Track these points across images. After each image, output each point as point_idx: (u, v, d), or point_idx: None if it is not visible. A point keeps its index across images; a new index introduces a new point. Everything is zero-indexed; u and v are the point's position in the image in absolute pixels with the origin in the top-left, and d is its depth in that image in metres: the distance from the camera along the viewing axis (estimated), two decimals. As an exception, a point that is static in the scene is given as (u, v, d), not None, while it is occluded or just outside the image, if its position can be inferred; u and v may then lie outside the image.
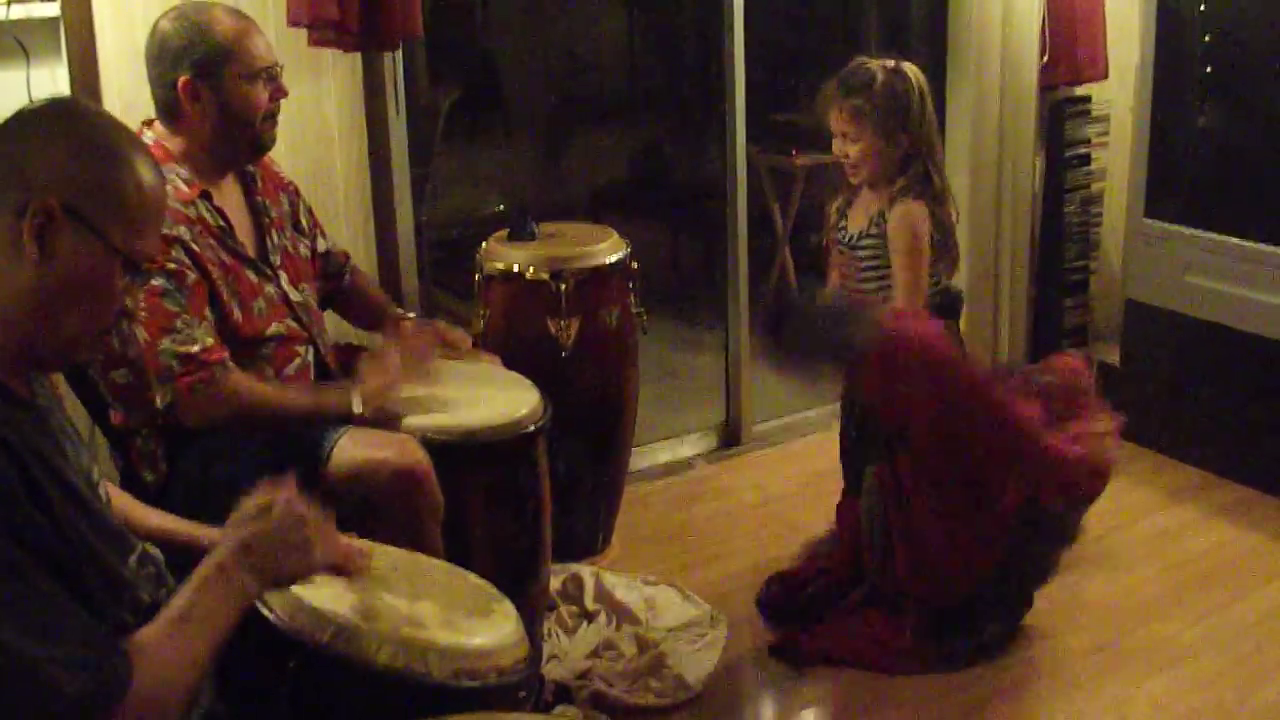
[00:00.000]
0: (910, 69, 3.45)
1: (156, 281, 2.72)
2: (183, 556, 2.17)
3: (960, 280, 4.85)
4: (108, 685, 1.62)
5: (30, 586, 1.60)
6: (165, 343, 2.74)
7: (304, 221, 3.28)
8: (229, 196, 3.02)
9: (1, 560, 1.57)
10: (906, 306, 3.38)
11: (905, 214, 3.41)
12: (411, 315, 3.47)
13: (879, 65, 3.43)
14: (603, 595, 3.72)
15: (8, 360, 1.75)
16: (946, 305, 3.55)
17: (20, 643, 1.55)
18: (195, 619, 1.76)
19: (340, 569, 2.07)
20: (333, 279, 3.38)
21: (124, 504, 2.27)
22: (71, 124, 1.81)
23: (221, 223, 2.93)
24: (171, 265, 2.76)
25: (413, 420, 2.99)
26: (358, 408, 2.91)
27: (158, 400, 2.76)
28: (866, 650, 3.44)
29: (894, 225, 3.41)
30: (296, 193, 3.29)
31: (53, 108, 1.90)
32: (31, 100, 3.24)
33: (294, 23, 3.46)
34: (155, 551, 2.01)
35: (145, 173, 1.82)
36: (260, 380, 2.91)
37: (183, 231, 2.80)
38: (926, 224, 3.41)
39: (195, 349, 2.76)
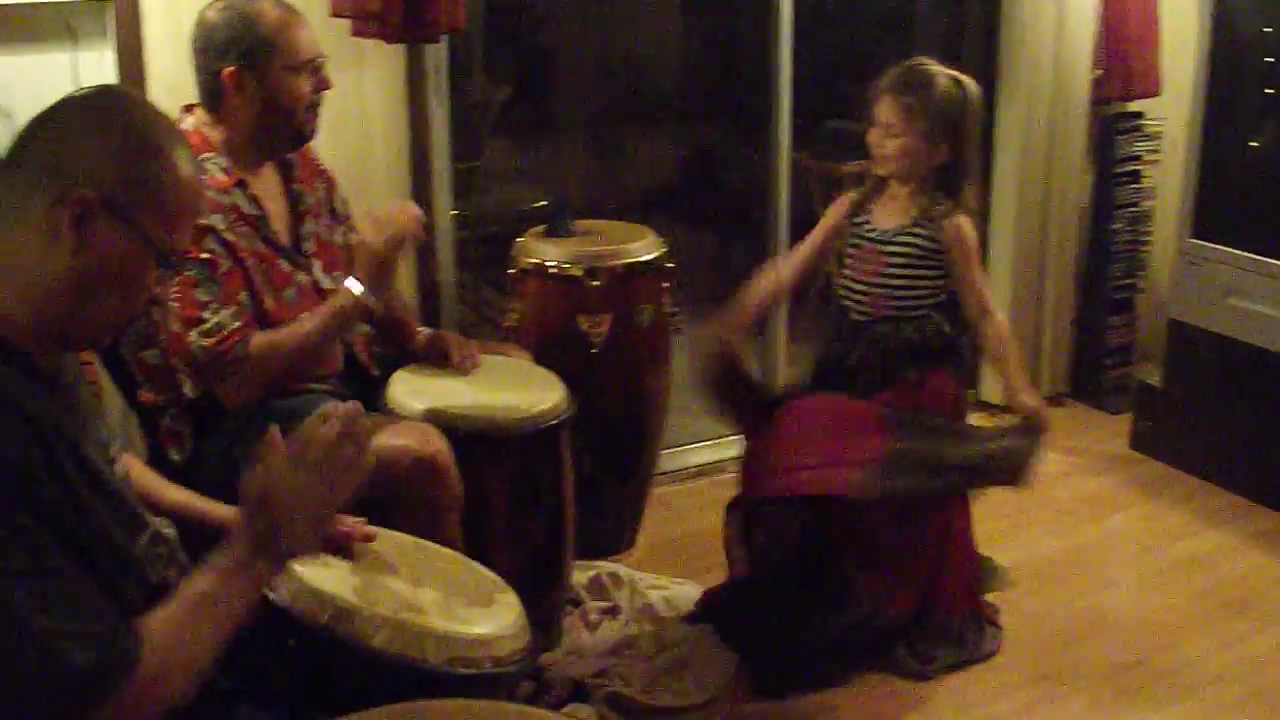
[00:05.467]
0: (970, 83, 3.42)
1: (190, 271, 2.75)
2: (199, 533, 2.20)
3: (1004, 296, 4.87)
4: (116, 662, 1.63)
5: (45, 560, 1.61)
6: (193, 335, 2.77)
7: (339, 209, 3.31)
8: (267, 184, 3.05)
9: (19, 533, 1.59)
10: (990, 303, 3.45)
11: (961, 227, 3.40)
12: (423, 330, 3.47)
13: (942, 70, 3.40)
14: (626, 594, 3.73)
15: (36, 338, 1.76)
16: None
17: (32, 613, 1.57)
18: (208, 604, 1.76)
19: (339, 548, 2.09)
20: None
21: (143, 477, 2.29)
22: (115, 116, 1.83)
23: (257, 211, 2.95)
24: (205, 255, 2.79)
25: (433, 409, 3.01)
26: (358, 291, 2.88)
27: (187, 389, 2.81)
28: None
29: (953, 237, 3.40)
30: (332, 183, 3.32)
31: (97, 98, 1.92)
32: (78, 85, 3.33)
33: (337, 13, 3.49)
34: (169, 532, 2.02)
35: (184, 167, 1.84)
36: (274, 330, 2.90)
37: (217, 220, 2.83)
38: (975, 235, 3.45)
39: (221, 336, 2.78)
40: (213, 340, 2.78)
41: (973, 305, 3.43)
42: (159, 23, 3.45)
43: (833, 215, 3.64)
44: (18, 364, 1.72)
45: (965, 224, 3.41)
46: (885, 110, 3.41)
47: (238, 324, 2.81)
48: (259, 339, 2.85)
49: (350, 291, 2.89)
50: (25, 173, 1.77)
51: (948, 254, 3.42)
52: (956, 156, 3.41)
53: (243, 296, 2.85)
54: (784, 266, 3.74)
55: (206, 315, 2.78)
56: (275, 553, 1.84)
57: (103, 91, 2.02)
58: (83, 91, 1.93)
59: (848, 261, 3.57)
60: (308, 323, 2.93)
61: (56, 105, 1.84)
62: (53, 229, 1.73)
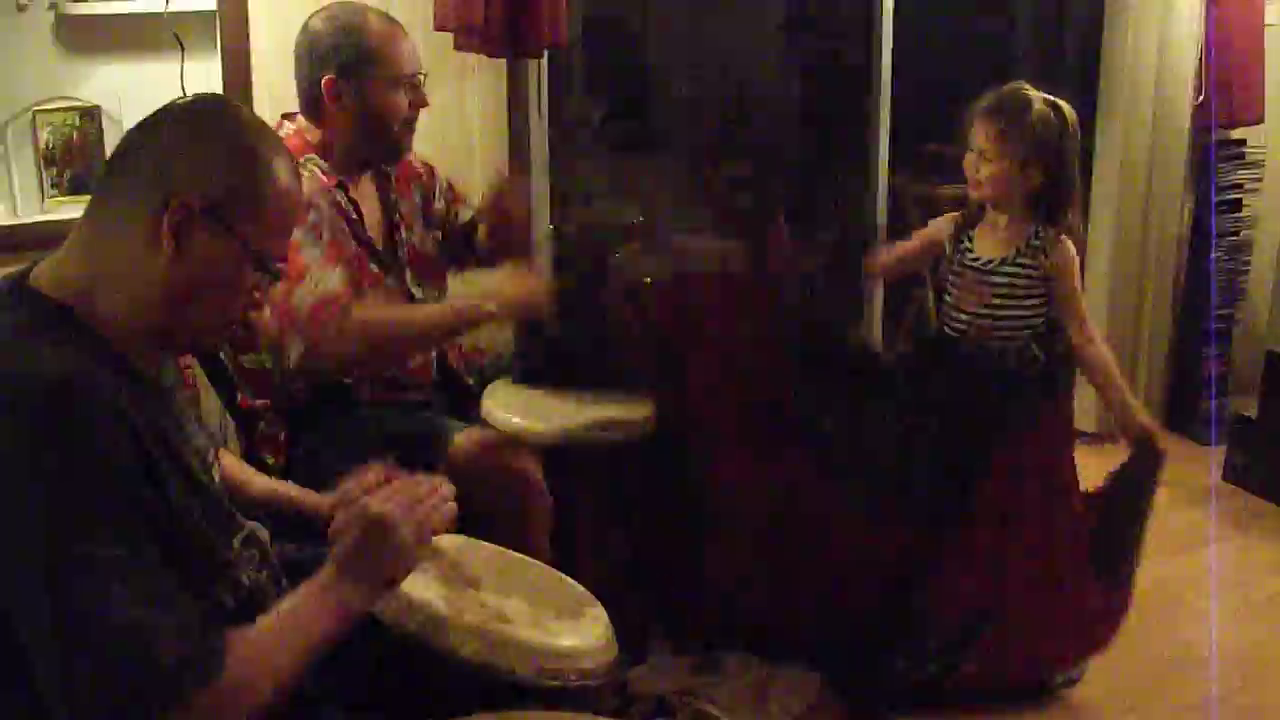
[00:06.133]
0: (1067, 109, 3.36)
1: (295, 235, 2.76)
2: (294, 520, 2.27)
3: (1100, 325, 4.80)
4: (202, 664, 1.63)
5: (141, 554, 1.63)
6: (299, 292, 2.74)
7: (438, 204, 3.30)
8: (364, 192, 3.07)
9: (119, 526, 1.61)
10: (1093, 328, 3.43)
11: (1067, 250, 3.37)
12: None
13: (1038, 95, 3.36)
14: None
15: (136, 342, 1.79)
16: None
17: (128, 603, 1.58)
18: (296, 625, 1.77)
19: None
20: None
21: (234, 468, 2.33)
22: (217, 124, 1.84)
23: (355, 215, 2.98)
24: (310, 220, 2.80)
25: (526, 424, 3.02)
26: (495, 310, 2.91)
27: (292, 356, 2.75)
28: None
29: (1060, 263, 3.37)
30: (432, 174, 3.31)
31: (200, 106, 1.94)
32: (184, 93, 3.39)
33: (440, 27, 3.53)
34: (262, 533, 2.04)
35: (284, 176, 1.85)
36: (387, 306, 2.93)
37: (321, 200, 2.86)
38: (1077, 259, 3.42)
39: (326, 289, 2.76)
40: (319, 293, 2.75)
41: (1076, 330, 3.39)
42: (265, 33, 3.51)
43: (933, 230, 3.63)
44: (117, 366, 1.74)
45: (1070, 248, 3.38)
46: (979, 135, 3.38)
47: (342, 285, 2.80)
48: (364, 309, 2.84)
49: (487, 307, 2.91)
50: (128, 180, 1.80)
51: (1053, 281, 3.38)
52: (1053, 182, 3.37)
53: (339, 266, 2.83)
54: (884, 254, 3.79)
55: (312, 273, 2.76)
56: (364, 585, 1.84)
57: (205, 100, 2.05)
58: (185, 100, 1.95)
59: (951, 290, 3.55)
60: (422, 310, 2.96)
61: (159, 113, 1.85)
62: (153, 235, 1.74)
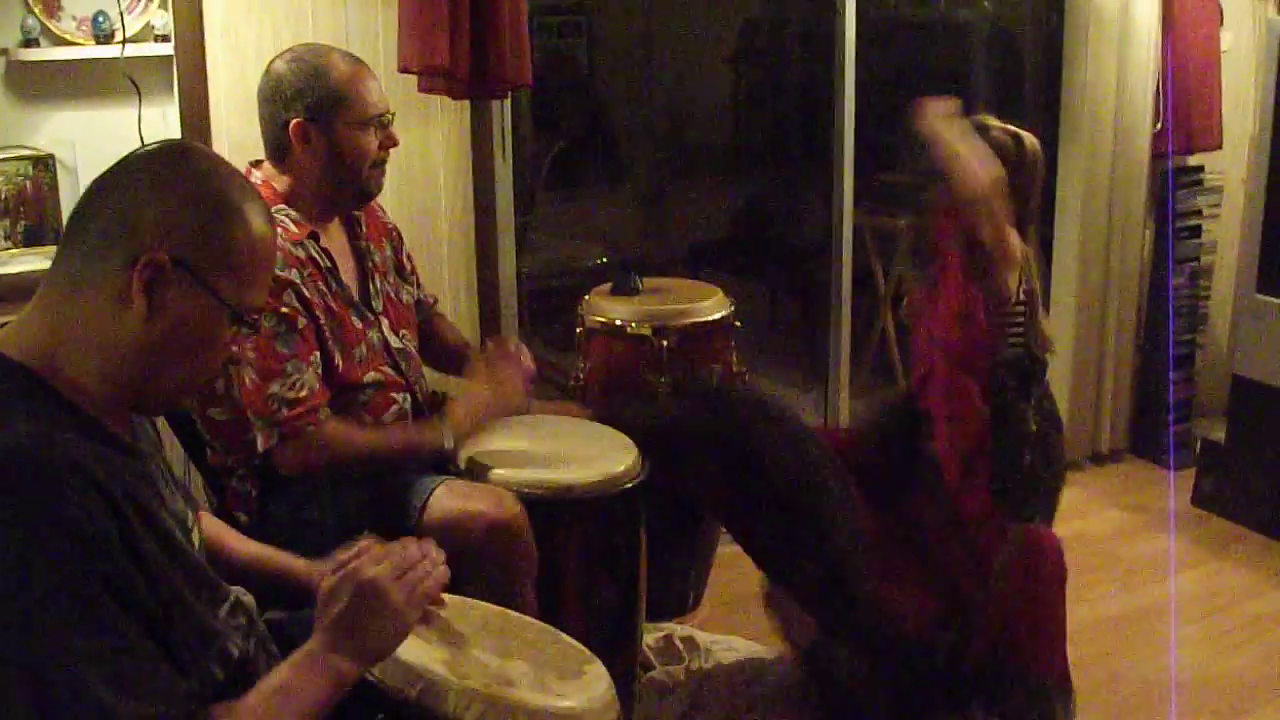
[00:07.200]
0: (1030, 141, 3.33)
1: (268, 325, 2.71)
2: (276, 585, 2.20)
3: (1065, 350, 4.81)
4: None
5: (118, 638, 1.56)
6: (274, 387, 2.73)
7: (406, 265, 3.28)
8: (334, 240, 3.01)
9: (92, 609, 1.54)
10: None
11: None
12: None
13: (1000, 129, 3.32)
14: (697, 656, 3.68)
15: (110, 405, 1.72)
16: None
17: (102, 693, 1.52)
18: (287, 698, 1.72)
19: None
20: (420, 324, 3.36)
21: (218, 533, 2.27)
22: (183, 173, 1.76)
23: (328, 264, 2.92)
24: (285, 309, 2.75)
25: (508, 474, 2.96)
26: (449, 443, 2.93)
27: (259, 443, 2.75)
28: None
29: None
30: (399, 237, 3.29)
31: (163, 154, 1.83)
32: (142, 140, 3.32)
33: (404, 69, 3.48)
34: (248, 599, 1.98)
35: (257, 223, 1.78)
36: (357, 426, 2.89)
37: (295, 275, 2.79)
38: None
39: (303, 394, 2.75)
40: (294, 395, 2.74)
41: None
42: (225, 78, 3.45)
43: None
44: (90, 431, 1.67)
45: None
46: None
47: (316, 385, 2.79)
48: (337, 426, 2.83)
49: (442, 439, 2.93)
50: (91, 236, 1.72)
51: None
52: (1019, 214, 3.31)
53: (315, 357, 2.81)
54: None
55: (288, 369, 2.74)
56: (357, 652, 1.79)
57: (169, 147, 1.92)
58: (149, 148, 1.85)
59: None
60: (388, 438, 2.93)
61: (121, 163, 1.78)
62: (123, 293, 1.68)
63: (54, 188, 3.48)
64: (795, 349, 6.38)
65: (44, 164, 3.48)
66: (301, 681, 1.74)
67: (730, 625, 3.95)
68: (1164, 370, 5.27)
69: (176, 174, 1.76)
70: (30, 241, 3.48)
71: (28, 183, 3.47)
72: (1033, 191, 3.35)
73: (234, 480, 2.88)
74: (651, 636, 3.70)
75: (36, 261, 3.27)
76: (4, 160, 3.45)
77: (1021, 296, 3.28)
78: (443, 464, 2.99)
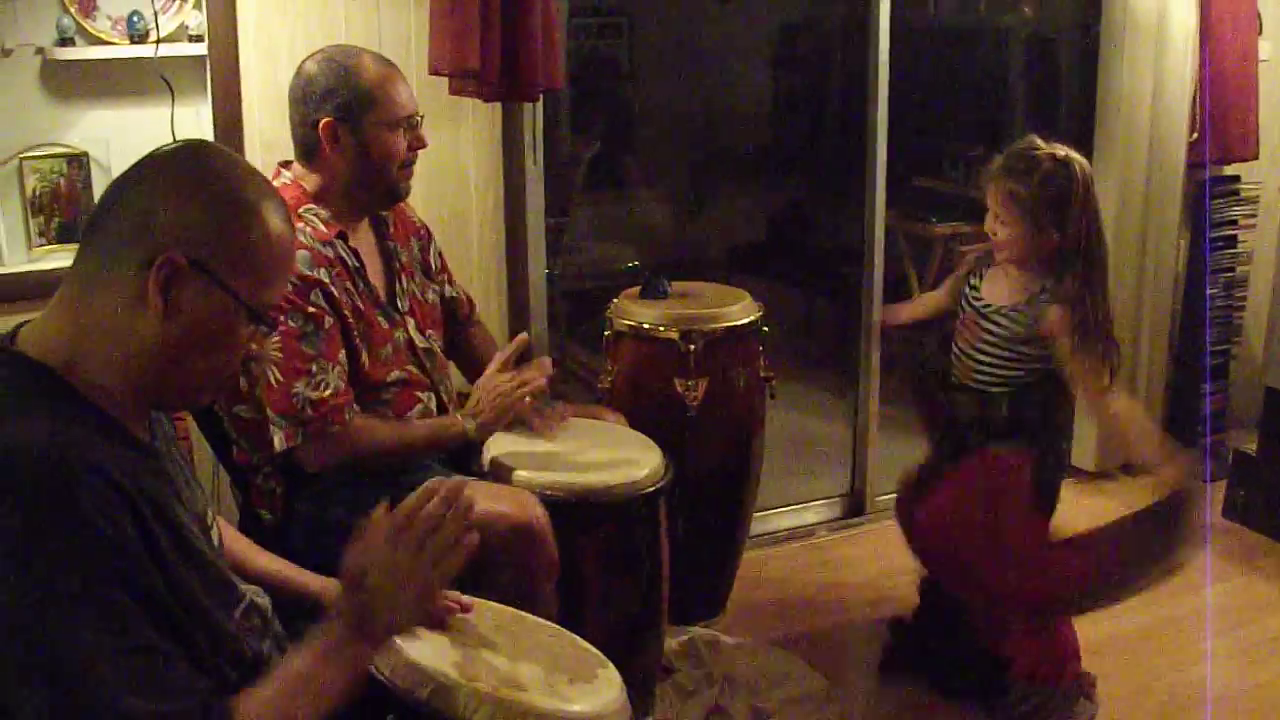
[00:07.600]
0: (1078, 162, 3.29)
1: (294, 324, 2.73)
2: (291, 601, 2.18)
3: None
4: None
5: (136, 636, 1.57)
6: (299, 386, 2.74)
7: (434, 264, 3.29)
8: (362, 239, 3.02)
9: (110, 609, 1.55)
10: (1102, 383, 3.31)
11: (1049, 317, 3.29)
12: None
13: (1046, 153, 3.28)
14: (720, 660, 3.67)
15: (129, 404, 1.73)
16: None
17: (121, 693, 1.53)
18: (304, 684, 1.73)
19: (438, 621, 2.05)
20: (457, 326, 3.37)
21: (234, 543, 2.25)
22: (199, 173, 1.77)
23: (356, 264, 2.93)
24: (311, 309, 2.77)
25: (531, 476, 2.97)
26: (471, 430, 2.94)
27: (276, 442, 2.76)
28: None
29: (1052, 329, 3.29)
30: (429, 235, 3.30)
31: (181, 154, 1.84)
32: (175, 138, 3.34)
33: (435, 71, 3.49)
34: (263, 601, 1.99)
35: (274, 222, 1.78)
36: (379, 420, 2.90)
37: (323, 274, 2.81)
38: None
39: (327, 393, 2.76)
40: (318, 395, 2.76)
41: (1082, 391, 3.34)
42: (257, 77, 3.47)
43: (954, 283, 3.62)
44: (109, 430, 1.68)
45: (1054, 313, 3.29)
46: (992, 197, 3.35)
47: (341, 385, 2.80)
48: (362, 421, 2.84)
49: (465, 426, 2.93)
50: (110, 236, 1.73)
51: (1049, 341, 3.32)
52: (1071, 239, 3.28)
53: (341, 357, 2.82)
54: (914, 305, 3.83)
55: (313, 369, 2.76)
56: (374, 633, 1.80)
57: (185, 147, 1.91)
58: (167, 148, 1.84)
59: (954, 323, 3.51)
60: (413, 432, 2.94)
61: (139, 164, 1.78)
62: (141, 293, 1.68)
63: (87, 185, 3.50)
64: (830, 354, 6.36)
65: (78, 162, 3.50)
66: (319, 666, 1.75)
67: (753, 629, 3.94)
68: (1198, 381, 5.22)
69: (192, 174, 1.77)
70: (64, 238, 3.50)
71: (61, 180, 3.49)
72: (1088, 212, 3.31)
73: (259, 478, 2.88)
74: (674, 640, 3.69)
75: (70, 258, 3.26)
76: (38, 158, 3.47)
77: None
78: (466, 465, 3.00)
